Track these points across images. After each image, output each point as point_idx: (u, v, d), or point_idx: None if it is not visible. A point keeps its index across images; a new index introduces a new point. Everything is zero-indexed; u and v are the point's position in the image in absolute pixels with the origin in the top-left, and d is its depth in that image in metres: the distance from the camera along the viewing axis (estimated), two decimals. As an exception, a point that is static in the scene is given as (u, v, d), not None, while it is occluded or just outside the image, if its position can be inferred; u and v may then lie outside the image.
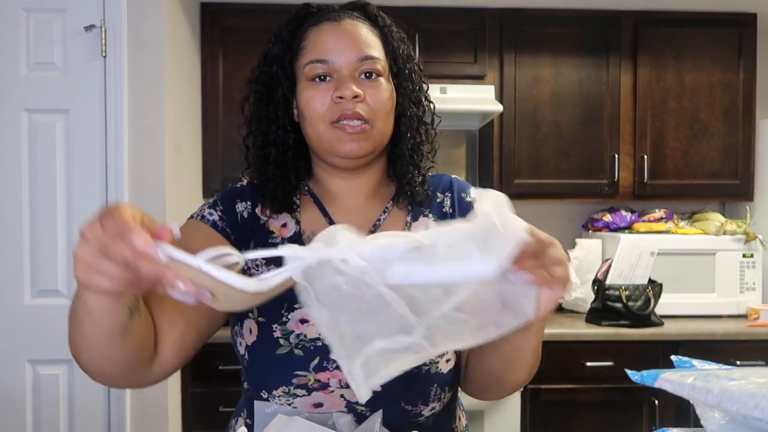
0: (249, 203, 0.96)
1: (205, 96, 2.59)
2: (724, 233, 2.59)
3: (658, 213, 2.73)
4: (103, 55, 2.10)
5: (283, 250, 0.60)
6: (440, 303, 0.61)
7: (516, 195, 2.66)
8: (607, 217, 2.75)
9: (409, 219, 0.99)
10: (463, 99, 2.55)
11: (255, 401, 0.91)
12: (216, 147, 2.59)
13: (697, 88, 2.67)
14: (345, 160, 0.92)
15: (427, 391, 0.90)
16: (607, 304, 2.41)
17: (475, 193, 0.63)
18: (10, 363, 2.10)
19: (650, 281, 2.45)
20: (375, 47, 0.92)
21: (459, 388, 1.01)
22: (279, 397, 0.88)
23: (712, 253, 2.58)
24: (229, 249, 0.60)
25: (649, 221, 2.71)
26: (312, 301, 0.61)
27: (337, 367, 0.86)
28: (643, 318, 2.38)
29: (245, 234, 0.94)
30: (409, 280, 0.59)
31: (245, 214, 0.95)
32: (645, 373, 0.68)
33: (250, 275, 0.62)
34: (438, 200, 1.02)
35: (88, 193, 2.11)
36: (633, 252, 2.44)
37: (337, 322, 0.61)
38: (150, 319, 0.79)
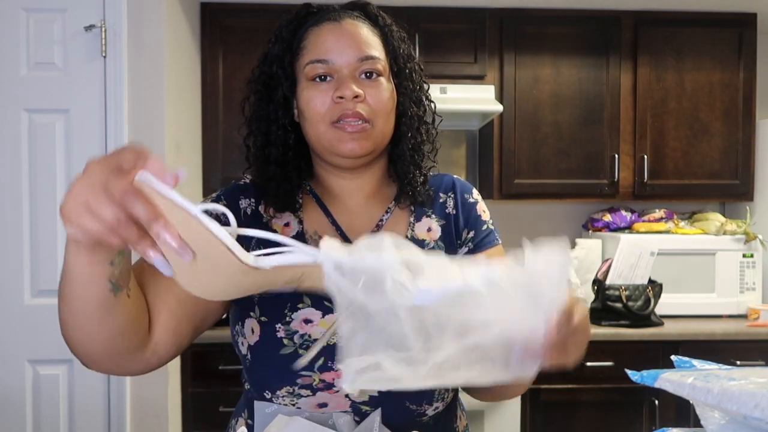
0: (252, 200, 0.96)
1: (205, 96, 2.59)
2: (724, 233, 2.59)
3: (658, 213, 2.74)
4: (103, 55, 2.10)
5: (318, 251, 0.55)
6: (460, 337, 0.58)
7: (516, 195, 2.66)
8: (607, 217, 2.75)
9: (411, 219, 0.99)
10: (463, 99, 2.55)
11: (255, 401, 0.91)
12: (216, 147, 2.59)
13: (697, 88, 2.67)
14: (345, 159, 0.92)
15: (431, 391, 0.90)
16: (607, 304, 2.41)
17: (532, 250, 0.60)
18: (10, 363, 2.09)
19: (650, 281, 2.45)
20: (375, 47, 0.92)
21: (460, 389, 1.01)
22: (283, 397, 0.88)
23: (712, 253, 2.58)
24: (225, 210, 0.56)
25: (649, 221, 2.71)
26: (343, 309, 0.57)
27: None
28: (643, 318, 2.38)
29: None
30: (447, 311, 0.56)
31: (248, 211, 0.95)
32: (645, 373, 0.68)
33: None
34: (441, 200, 1.02)
35: (88, 193, 2.11)
36: (633, 252, 2.44)
37: (356, 335, 0.58)
38: (143, 303, 0.78)
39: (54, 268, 2.10)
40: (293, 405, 0.88)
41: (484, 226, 1.02)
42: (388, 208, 1.00)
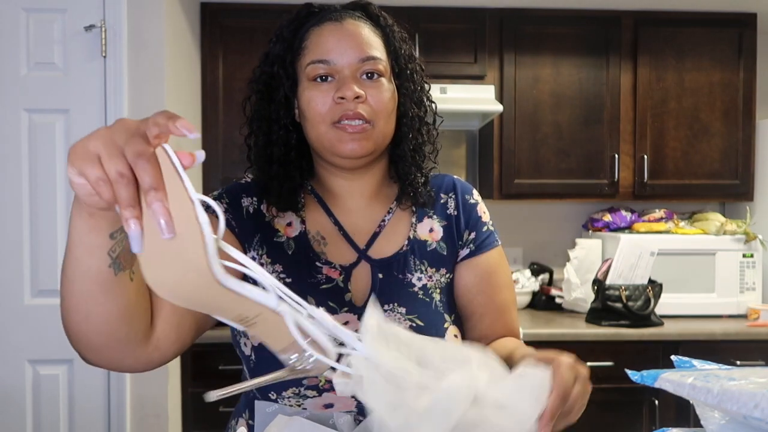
0: (254, 199, 0.96)
1: (205, 96, 2.59)
2: (724, 233, 2.59)
3: (658, 213, 2.74)
4: (103, 55, 2.10)
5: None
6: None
7: (516, 195, 2.66)
8: (607, 217, 2.75)
9: (413, 220, 0.99)
10: (463, 99, 2.55)
11: (256, 401, 0.91)
12: (216, 147, 2.58)
13: (697, 88, 2.67)
14: (346, 160, 0.92)
15: None
16: (607, 304, 2.41)
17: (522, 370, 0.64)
18: (10, 363, 2.10)
19: (650, 281, 2.45)
20: (377, 47, 0.92)
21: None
22: (288, 398, 0.88)
23: (712, 253, 2.58)
24: (220, 211, 0.54)
25: (649, 221, 2.71)
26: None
27: None
28: (643, 318, 2.38)
29: (250, 229, 0.94)
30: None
31: (250, 210, 0.95)
32: (645, 373, 0.68)
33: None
34: (442, 201, 1.02)
35: (88, 193, 2.11)
36: (633, 252, 2.44)
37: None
38: (146, 292, 0.75)
39: (54, 268, 2.10)
40: (299, 405, 0.88)
41: (485, 228, 1.02)
42: (390, 208, 1.00)
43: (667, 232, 2.64)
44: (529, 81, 2.64)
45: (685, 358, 0.73)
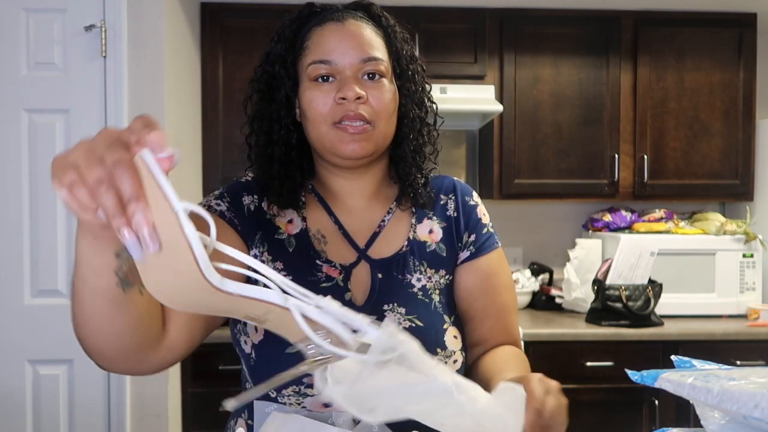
0: (255, 197, 0.96)
1: (205, 96, 2.59)
2: (724, 233, 2.59)
3: (658, 213, 2.74)
4: (103, 55, 2.10)
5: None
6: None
7: (516, 195, 2.66)
8: (607, 217, 2.75)
9: (413, 221, 1.00)
10: (463, 99, 2.55)
11: (255, 401, 0.91)
12: (216, 147, 2.59)
13: (697, 88, 2.67)
14: (346, 160, 0.92)
15: None
16: (607, 304, 2.41)
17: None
18: (10, 363, 2.09)
19: (650, 281, 2.45)
20: (378, 48, 0.92)
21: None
22: (288, 396, 0.88)
23: (712, 253, 2.58)
24: (211, 221, 0.50)
25: (649, 221, 2.71)
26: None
27: None
28: (643, 318, 2.38)
29: (252, 227, 0.94)
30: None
31: (252, 207, 0.95)
32: (645, 373, 0.68)
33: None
34: (441, 202, 1.02)
35: (88, 193, 2.11)
36: (633, 252, 2.44)
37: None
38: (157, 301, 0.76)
39: (54, 268, 2.10)
40: (299, 404, 0.88)
41: (485, 230, 1.02)
42: (390, 209, 1.00)
43: (667, 232, 2.64)
44: (529, 81, 2.64)
45: (685, 358, 0.73)
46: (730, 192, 2.71)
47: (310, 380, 0.87)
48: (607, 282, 2.43)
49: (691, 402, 0.65)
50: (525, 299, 2.76)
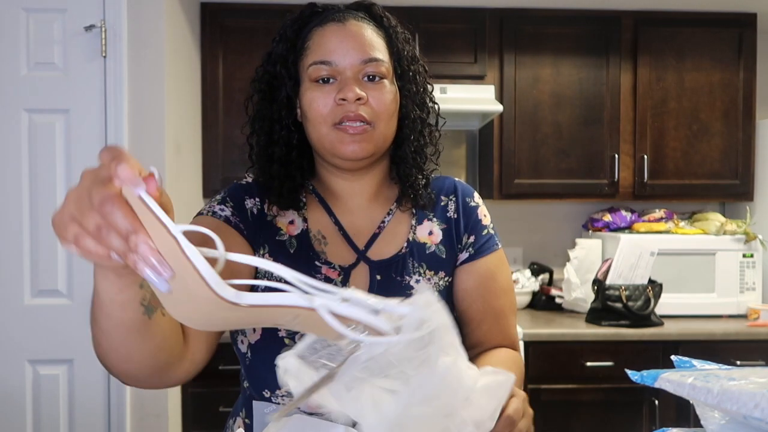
0: (257, 199, 0.96)
1: (205, 96, 2.59)
2: (724, 233, 2.59)
3: (658, 213, 2.74)
4: (103, 55, 2.10)
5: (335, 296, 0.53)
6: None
7: (516, 195, 2.66)
8: (607, 217, 2.75)
9: (413, 222, 0.99)
10: (463, 99, 2.55)
11: (254, 401, 0.91)
12: (216, 147, 2.59)
13: (697, 88, 2.67)
14: (347, 161, 0.92)
15: None
16: (607, 304, 2.41)
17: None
18: (10, 363, 2.09)
19: (650, 281, 2.45)
20: (379, 49, 0.92)
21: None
22: (282, 396, 0.88)
23: (712, 253, 2.58)
24: (213, 234, 0.50)
25: (649, 221, 2.71)
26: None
27: None
28: (643, 318, 2.38)
29: (255, 230, 0.94)
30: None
31: (254, 211, 0.95)
32: (645, 373, 0.68)
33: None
34: (442, 203, 1.02)
35: (88, 193, 2.11)
36: (633, 252, 2.44)
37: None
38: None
39: (54, 268, 2.10)
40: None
41: (485, 231, 1.02)
42: (390, 209, 1.00)
43: (667, 232, 2.64)
44: (529, 81, 2.64)
45: (685, 358, 0.73)
46: (730, 192, 2.71)
47: None
48: (607, 282, 2.43)
49: (691, 402, 0.65)
50: (525, 299, 2.76)
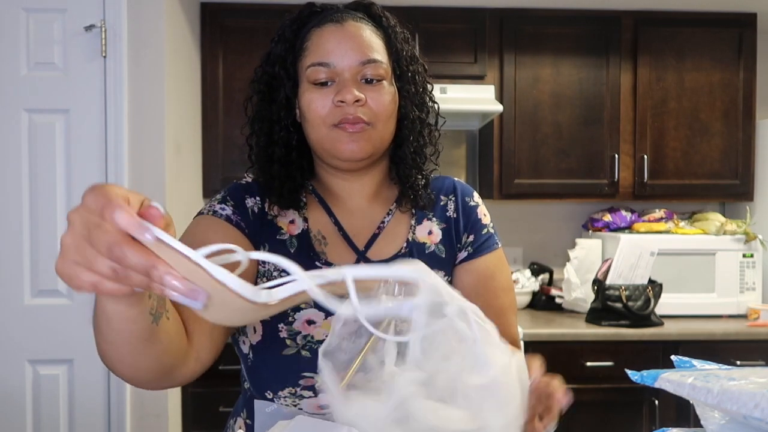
0: (258, 198, 0.96)
1: (205, 96, 2.59)
2: (724, 233, 2.59)
3: (658, 213, 2.74)
4: (103, 55, 2.10)
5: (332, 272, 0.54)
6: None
7: (516, 195, 2.66)
8: (607, 217, 2.75)
9: (413, 222, 0.99)
10: (463, 99, 2.55)
11: (255, 401, 0.91)
12: (216, 147, 2.59)
13: (697, 88, 2.67)
14: (346, 162, 0.92)
15: None
16: (607, 304, 2.41)
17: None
18: (10, 363, 2.09)
19: (650, 281, 2.45)
20: (378, 50, 0.92)
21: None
22: (285, 397, 0.88)
23: (712, 253, 2.58)
24: (232, 246, 0.52)
25: (649, 221, 2.71)
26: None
27: None
28: (643, 318, 2.38)
29: (257, 228, 0.94)
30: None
31: (255, 210, 0.95)
32: (645, 373, 0.68)
33: (255, 284, 0.60)
34: (441, 203, 1.02)
35: (88, 193, 2.11)
36: (633, 252, 2.44)
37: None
38: (178, 317, 0.75)
39: (54, 268, 2.09)
40: (295, 406, 0.88)
41: (484, 230, 1.02)
42: (390, 210, 1.00)
43: (667, 232, 2.64)
44: (529, 81, 2.64)
45: (685, 358, 0.73)
46: (730, 192, 2.71)
47: (307, 382, 0.87)
48: (607, 282, 2.43)
49: (691, 402, 0.65)
50: (525, 299, 2.76)
